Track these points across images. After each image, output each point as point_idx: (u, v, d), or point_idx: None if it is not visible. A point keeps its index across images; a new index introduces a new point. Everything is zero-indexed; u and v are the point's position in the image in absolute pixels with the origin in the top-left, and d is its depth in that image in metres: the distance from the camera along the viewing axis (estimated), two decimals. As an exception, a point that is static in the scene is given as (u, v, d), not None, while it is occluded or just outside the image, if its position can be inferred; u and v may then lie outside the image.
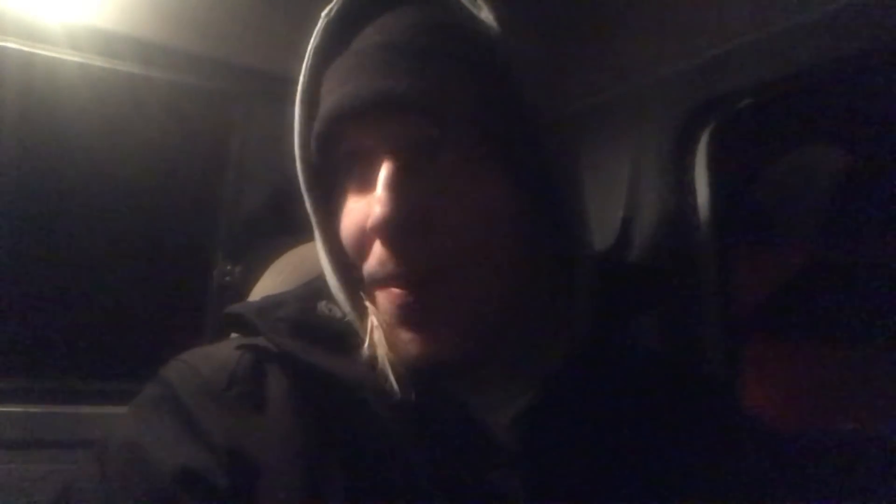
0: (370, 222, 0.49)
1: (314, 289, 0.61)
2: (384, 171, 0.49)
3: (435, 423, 0.52)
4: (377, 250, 0.51)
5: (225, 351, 0.56)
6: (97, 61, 1.16)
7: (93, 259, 1.28)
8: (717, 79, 0.89)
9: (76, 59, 1.15)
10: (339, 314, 0.57)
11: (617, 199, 1.00)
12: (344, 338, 0.54)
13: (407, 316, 0.50)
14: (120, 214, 1.29)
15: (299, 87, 0.57)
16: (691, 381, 0.66)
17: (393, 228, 0.48)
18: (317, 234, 0.57)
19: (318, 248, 0.57)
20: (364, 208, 0.52)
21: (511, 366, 0.56)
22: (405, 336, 0.51)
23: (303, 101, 0.56)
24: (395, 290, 0.51)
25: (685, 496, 0.53)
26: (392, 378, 0.51)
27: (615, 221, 1.00)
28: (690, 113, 0.94)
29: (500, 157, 0.51)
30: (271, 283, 0.81)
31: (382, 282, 0.51)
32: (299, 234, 0.87)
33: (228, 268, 1.25)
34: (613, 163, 1.02)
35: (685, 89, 0.94)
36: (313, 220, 0.56)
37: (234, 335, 0.65)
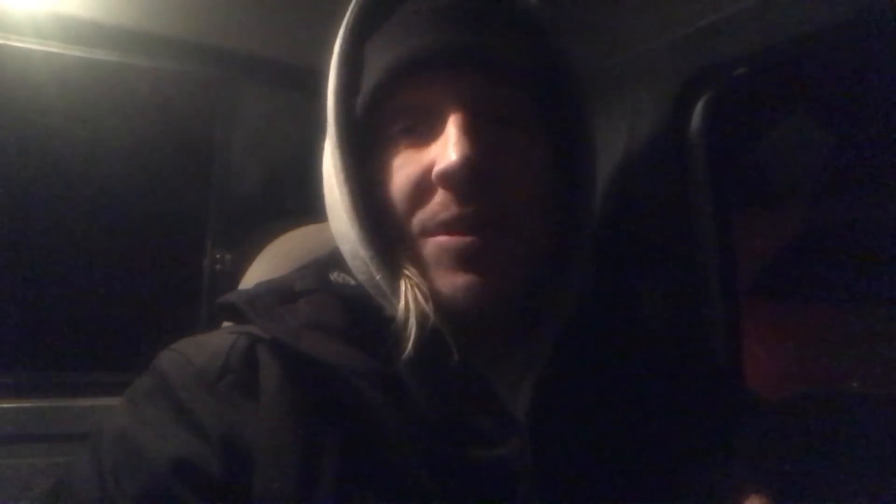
0: (442, 167, 0.51)
1: (324, 262, 0.62)
2: (458, 122, 0.52)
3: (439, 395, 0.53)
4: (441, 197, 0.53)
5: (217, 340, 0.56)
6: (80, 52, 1.14)
7: (85, 252, 1.28)
8: (712, 47, 0.89)
9: (58, 50, 1.13)
10: (352, 282, 0.58)
11: (614, 166, 1.00)
12: (357, 303, 0.56)
13: (469, 258, 0.53)
14: (110, 206, 1.28)
15: (337, 48, 0.58)
16: (696, 354, 0.68)
17: (467, 174, 0.51)
18: (345, 193, 0.55)
19: (341, 210, 0.56)
20: (425, 158, 0.54)
21: (523, 331, 0.58)
22: (462, 279, 0.53)
23: (342, 60, 0.57)
24: (455, 234, 0.53)
25: (689, 468, 0.54)
26: (413, 339, 0.52)
27: (613, 188, 1.00)
28: (686, 81, 0.93)
29: (549, 121, 0.56)
30: (263, 268, 0.81)
31: (446, 226, 0.53)
32: (289, 219, 0.87)
33: (219, 256, 1.24)
34: (610, 132, 1.01)
35: (680, 58, 0.93)
36: (342, 177, 0.55)
37: (226, 324, 0.64)
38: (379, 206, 0.56)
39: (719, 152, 0.96)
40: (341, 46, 0.58)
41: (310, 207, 0.79)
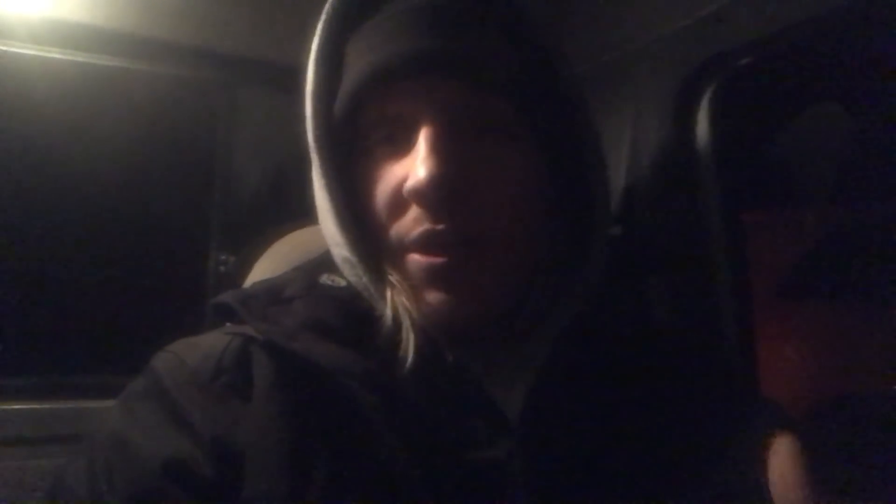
0: (411, 184, 0.49)
1: (315, 265, 0.61)
2: (428, 135, 0.50)
3: (436, 399, 0.52)
4: (414, 213, 0.51)
5: (212, 340, 0.56)
6: (79, 57, 1.15)
7: (88, 256, 1.28)
8: (716, 36, 0.86)
9: (57, 55, 1.13)
10: (342, 283, 0.57)
11: (619, 162, 0.98)
12: (350, 305, 0.55)
13: (440, 278, 0.51)
14: (113, 210, 1.29)
15: (315, 46, 0.56)
16: (701, 353, 0.65)
17: (436, 191, 0.48)
18: (325, 198, 0.54)
19: (327, 213, 0.55)
20: (400, 171, 0.52)
21: (519, 335, 0.56)
22: (435, 298, 0.51)
23: (320, 61, 0.55)
24: (427, 254, 0.51)
25: (688, 476, 0.52)
26: (411, 343, 0.51)
27: (617, 184, 0.98)
28: (689, 73, 0.91)
29: (537, 128, 0.53)
30: (266, 269, 0.81)
31: (417, 244, 0.51)
32: (292, 221, 0.87)
33: (223, 258, 1.25)
34: (615, 124, 1.00)
35: (683, 49, 0.91)
36: (322, 183, 0.54)
37: (228, 325, 0.65)
38: (363, 211, 0.54)
39: (728, 146, 0.94)
40: (319, 44, 0.56)
41: (312, 209, 0.79)
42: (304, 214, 0.86)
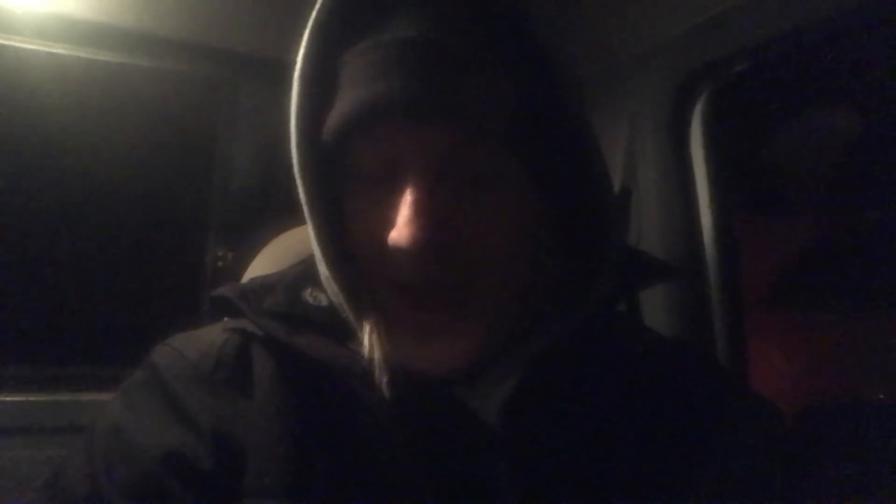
0: (394, 240, 0.46)
1: (300, 274, 0.59)
2: (413, 189, 0.46)
3: (422, 411, 0.52)
4: (398, 262, 0.47)
5: (212, 334, 0.56)
6: (81, 52, 1.15)
7: (88, 250, 1.29)
8: (710, 43, 0.86)
9: (60, 51, 1.14)
10: (324, 302, 0.55)
11: (613, 168, 0.98)
12: (328, 327, 0.53)
13: (424, 333, 0.49)
14: (112, 205, 1.30)
15: (301, 60, 0.51)
16: (690, 364, 0.63)
17: (419, 250, 0.45)
18: (309, 218, 0.52)
19: (311, 235, 0.52)
20: (386, 212, 0.48)
21: (503, 353, 0.54)
22: (414, 351, 0.49)
23: (306, 77, 0.51)
24: (413, 308, 0.49)
25: (678, 485, 0.52)
26: (385, 381, 0.48)
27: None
28: (683, 80, 0.91)
29: (534, 163, 0.49)
30: (264, 265, 0.82)
31: (402, 292, 0.49)
32: (289, 217, 0.87)
33: (220, 253, 1.25)
34: (609, 131, 1.00)
35: (677, 56, 0.91)
36: (307, 204, 0.51)
37: (226, 318, 0.65)
38: (349, 238, 0.50)
39: (721, 153, 0.93)
40: (303, 61, 0.51)
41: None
42: (302, 212, 0.87)
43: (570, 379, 0.54)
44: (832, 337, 1.06)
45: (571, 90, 0.51)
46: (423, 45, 0.46)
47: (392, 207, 0.47)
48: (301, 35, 0.53)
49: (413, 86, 0.45)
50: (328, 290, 0.54)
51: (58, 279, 1.26)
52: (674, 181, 0.93)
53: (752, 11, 0.80)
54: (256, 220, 1.21)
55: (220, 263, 1.26)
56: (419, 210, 0.45)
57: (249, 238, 0.92)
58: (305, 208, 0.51)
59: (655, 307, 0.93)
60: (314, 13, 0.52)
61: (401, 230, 0.45)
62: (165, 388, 0.52)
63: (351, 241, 0.50)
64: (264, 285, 0.58)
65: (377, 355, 0.49)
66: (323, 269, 0.52)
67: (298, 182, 0.51)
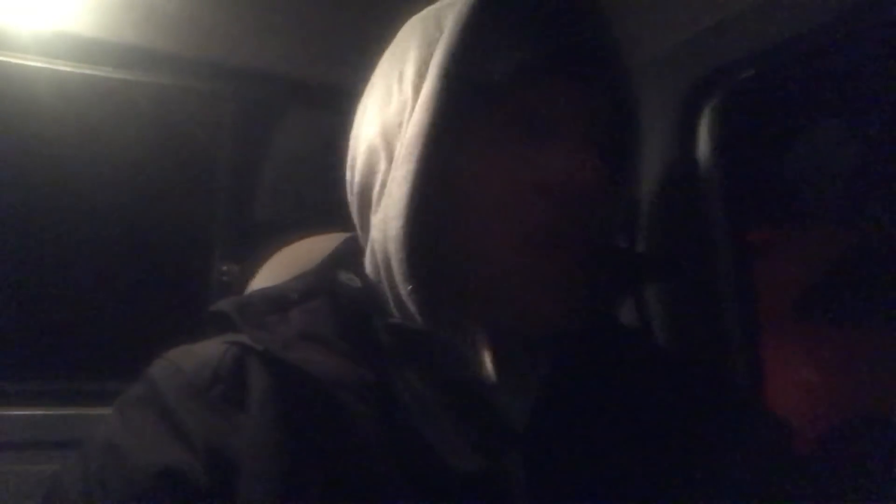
0: (567, 179, 0.49)
1: (332, 261, 0.62)
2: (582, 134, 0.51)
3: (433, 407, 0.52)
4: (549, 213, 0.50)
5: (209, 349, 0.56)
6: (84, 69, 1.16)
7: (94, 265, 1.29)
8: (715, 50, 0.85)
9: (63, 68, 1.15)
10: (358, 283, 0.57)
11: None
12: (360, 306, 0.56)
13: (559, 281, 0.51)
14: (117, 220, 1.31)
15: (456, 16, 0.51)
16: (704, 368, 0.65)
17: (592, 195, 0.48)
18: (406, 187, 0.50)
19: (400, 194, 0.51)
20: (535, 162, 0.50)
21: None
22: (546, 301, 0.51)
23: (468, 29, 0.51)
24: (553, 256, 0.50)
25: (693, 488, 0.52)
26: (488, 359, 0.51)
27: None
28: (688, 89, 0.90)
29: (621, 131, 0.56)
30: (268, 279, 0.82)
31: (543, 245, 0.50)
32: (294, 231, 0.88)
33: (225, 268, 1.25)
34: None
35: (682, 64, 0.90)
36: (410, 168, 0.50)
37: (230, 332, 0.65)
38: (447, 209, 0.51)
39: (731, 163, 0.92)
40: (461, 14, 0.51)
41: (314, 219, 0.79)
42: (307, 224, 0.87)
43: (592, 382, 0.55)
44: (855, 349, 1.04)
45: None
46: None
47: (545, 155, 0.50)
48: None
49: (582, 37, 0.51)
50: (371, 266, 0.56)
51: (62, 295, 1.27)
52: (683, 191, 0.92)
53: (758, 17, 0.79)
54: (261, 235, 1.21)
55: (225, 278, 1.26)
56: (591, 149, 0.50)
57: (254, 252, 0.92)
58: (408, 170, 0.50)
59: (666, 318, 0.92)
60: None
61: (572, 173, 0.48)
62: (162, 403, 0.51)
63: (457, 208, 0.51)
64: (264, 298, 0.58)
65: (479, 329, 0.52)
66: (392, 227, 0.51)
67: (411, 138, 0.51)
